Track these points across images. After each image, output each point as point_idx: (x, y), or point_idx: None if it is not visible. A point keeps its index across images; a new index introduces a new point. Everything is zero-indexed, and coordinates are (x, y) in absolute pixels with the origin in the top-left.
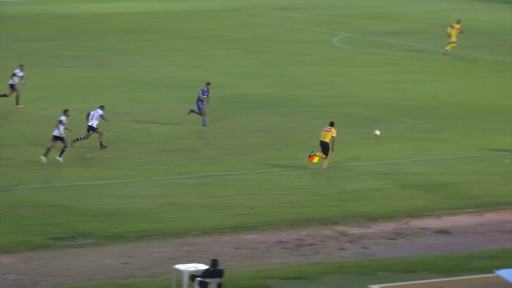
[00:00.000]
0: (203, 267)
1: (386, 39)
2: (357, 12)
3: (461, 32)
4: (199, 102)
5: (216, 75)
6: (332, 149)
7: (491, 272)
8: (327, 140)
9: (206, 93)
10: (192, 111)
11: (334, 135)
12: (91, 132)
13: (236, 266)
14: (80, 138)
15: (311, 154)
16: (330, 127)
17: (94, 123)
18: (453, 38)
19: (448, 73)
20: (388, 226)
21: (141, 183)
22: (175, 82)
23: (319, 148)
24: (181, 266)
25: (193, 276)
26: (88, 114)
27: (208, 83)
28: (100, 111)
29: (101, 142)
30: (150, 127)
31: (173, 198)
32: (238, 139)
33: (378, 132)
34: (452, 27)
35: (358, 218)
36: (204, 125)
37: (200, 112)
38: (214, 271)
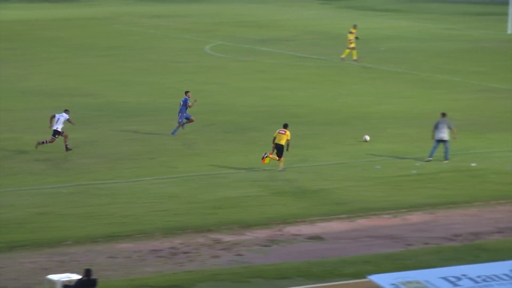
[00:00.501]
0: (76, 277)
1: (258, 46)
2: (229, 20)
3: (356, 37)
4: (182, 112)
5: (87, 83)
6: (287, 150)
7: (364, 277)
8: (283, 142)
9: (188, 101)
10: (183, 122)
11: (289, 137)
12: (56, 136)
13: (110, 275)
14: (46, 141)
15: (264, 156)
16: (284, 130)
17: (59, 126)
18: (353, 44)
19: (320, 80)
20: (262, 233)
21: (13, 193)
22: (47, 91)
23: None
24: (54, 277)
25: (66, 286)
26: (53, 117)
27: (187, 91)
28: (66, 115)
29: (66, 145)
30: (22, 136)
31: (45, 207)
32: (111, 148)
33: (367, 137)
34: (350, 32)
35: (232, 225)
36: (173, 133)
37: (180, 124)
38: (88, 281)
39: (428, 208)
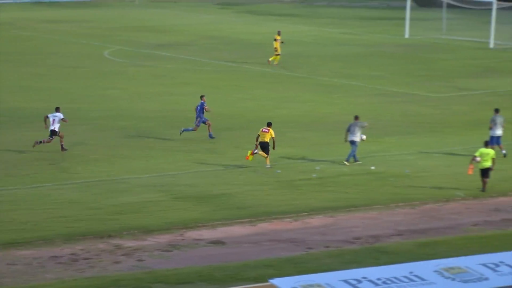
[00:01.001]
0: None
1: (157, 51)
2: (128, 25)
3: (282, 42)
4: (200, 116)
5: None
6: (273, 148)
7: (265, 281)
8: (267, 140)
9: (205, 105)
10: (198, 125)
11: (273, 135)
12: (53, 136)
13: (9, 282)
14: (43, 141)
15: (255, 152)
16: (267, 128)
17: (56, 126)
18: (278, 50)
19: (220, 85)
20: (163, 238)
21: None
22: None
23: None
24: None
25: None
26: (46, 118)
27: (202, 96)
28: (60, 115)
29: (61, 145)
30: None
31: None
32: (10, 154)
33: (364, 137)
34: (275, 40)
35: (133, 231)
36: (192, 130)
37: (195, 128)
38: None
39: (329, 212)
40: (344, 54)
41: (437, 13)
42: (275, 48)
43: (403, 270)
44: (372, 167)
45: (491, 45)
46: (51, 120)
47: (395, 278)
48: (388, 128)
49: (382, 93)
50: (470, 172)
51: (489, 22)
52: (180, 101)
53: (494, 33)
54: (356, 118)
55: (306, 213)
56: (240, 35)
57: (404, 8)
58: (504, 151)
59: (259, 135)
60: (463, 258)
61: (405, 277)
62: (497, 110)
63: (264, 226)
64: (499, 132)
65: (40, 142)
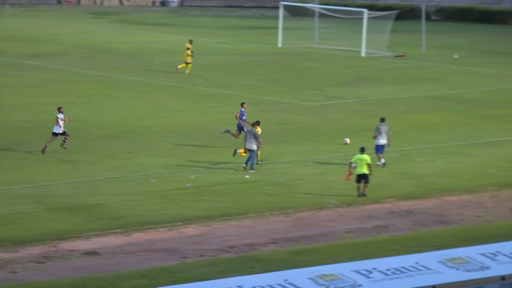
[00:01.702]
0: None
1: (29, 61)
2: None
3: (191, 52)
4: (242, 122)
5: None
6: (260, 147)
7: None
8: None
9: (244, 113)
10: (227, 131)
11: (259, 132)
12: (59, 135)
13: None
14: (62, 143)
15: (241, 151)
16: (256, 126)
17: (61, 127)
18: (189, 59)
19: (94, 95)
20: (36, 250)
21: None
22: None
23: None
24: None
25: None
26: (57, 118)
27: (243, 103)
28: (61, 115)
29: (64, 141)
30: None
31: None
32: None
33: (347, 140)
34: (188, 49)
35: (5, 242)
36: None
37: (236, 134)
38: None
39: (204, 221)
40: (218, 63)
41: (309, 22)
42: (189, 55)
43: (278, 278)
44: (247, 176)
45: (363, 54)
46: (60, 121)
47: (270, 286)
48: (262, 137)
49: (256, 102)
50: (347, 178)
51: (360, 31)
52: (52, 111)
53: (366, 42)
54: (253, 125)
55: (180, 223)
56: (113, 45)
57: (277, 17)
58: (383, 161)
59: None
60: (337, 265)
61: (280, 285)
62: (382, 119)
63: (138, 236)
64: (383, 141)
65: (46, 146)
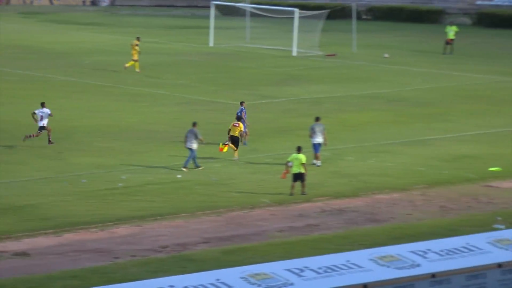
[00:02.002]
0: None
1: None
2: None
3: (136, 46)
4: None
5: None
6: (241, 142)
7: None
8: (236, 134)
9: (244, 111)
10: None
11: (242, 129)
12: (42, 131)
13: None
14: (32, 135)
15: (226, 143)
16: (238, 122)
17: (44, 122)
18: (136, 57)
19: (24, 95)
20: None
21: None
22: None
23: None
24: None
25: None
26: (34, 113)
27: (242, 102)
28: (47, 110)
29: (49, 138)
30: None
31: None
32: None
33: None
34: (136, 45)
35: None
36: (245, 143)
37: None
38: None
39: (135, 221)
40: (150, 63)
41: (241, 22)
42: (136, 52)
43: (210, 277)
44: (179, 176)
45: (294, 53)
46: (39, 116)
47: (202, 285)
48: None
49: (188, 102)
50: (284, 176)
51: (291, 31)
52: None
53: (297, 42)
54: (194, 125)
55: (112, 223)
56: (44, 44)
57: (208, 17)
58: (318, 163)
59: (230, 129)
60: (268, 264)
61: (212, 285)
62: (317, 119)
63: (69, 237)
64: (318, 139)
65: (30, 136)
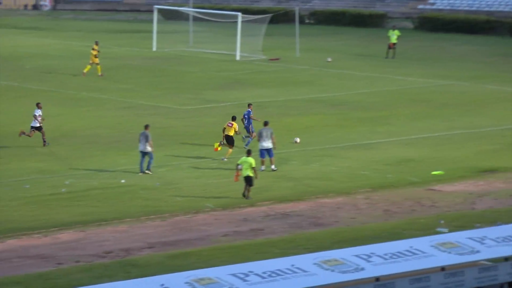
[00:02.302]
0: None
1: None
2: None
3: (98, 52)
4: (249, 125)
5: None
6: (244, 142)
7: None
8: (231, 133)
9: (251, 113)
10: (247, 138)
11: (236, 129)
12: (35, 130)
13: None
14: (25, 133)
15: (222, 143)
16: (232, 122)
17: (37, 123)
18: (96, 60)
19: None
20: None
21: None
22: None
23: None
24: None
25: None
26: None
27: (250, 104)
28: (38, 111)
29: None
30: None
31: None
32: None
33: (298, 140)
34: (93, 49)
35: None
36: (247, 144)
37: (251, 134)
38: None
39: (79, 226)
40: (92, 67)
41: (184, 26)
42: (94, 56)
43: (154, 282)
44: (123, 180)
45: (238, 58)
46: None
47: None
48: (137, 141)
49: (131, 106)
50: (236, 179)
51: (235, 35)
52: None
53: (240, 46)
54: (146, 127)
55: (55, 228)
56: None
57: (151, 21)
58: (273, 167)
59: (224, 128)
60: (213, 269)
61: None
62: (265, 123)
63: (12, 243)
64: (266, 144)
65: (23, 133)
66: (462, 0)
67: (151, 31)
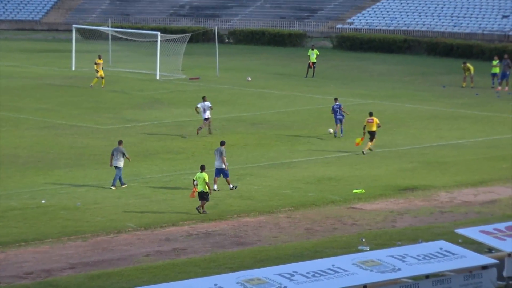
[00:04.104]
0: None
1: None
2: None
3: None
4: (340, 116)
5: None
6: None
7: None
8: (374, 129)
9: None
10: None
11: (377, 122)
12: (206, 121)
13: None
14: (201, 127)
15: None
16: (372, 118)
17: (207, 114)
18: (101, 73)
19: None
20: None
21: None
22: None
23: None
24: None
25: None
26: (197, 107)
27: (336, 98)
28: (208, 103)
29: (209, 128)
30: None
31: None
32: None
33: (331, 130)
34: (96, 64)
35: None
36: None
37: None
38: None
39: None
40: (11, 87)
41: (103, 45)
42: (96, 70)
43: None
44: (43, 201)
45: (157, 77)
46: (201, 109)
47: None
48: (57, 160)
49: (50, 126)
50: (193, 196)
51: (154, 54)
52: None
53: (160, 65)
54: (120, 143)
55: None
56: None
57: (70, 40)
58: (231, 186)
59: (365, 125)
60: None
61: None
62: (221, 143)
63: None
64: (218, 164)
65: (200, 128)
66: (380, 20)
67: (70, 51)
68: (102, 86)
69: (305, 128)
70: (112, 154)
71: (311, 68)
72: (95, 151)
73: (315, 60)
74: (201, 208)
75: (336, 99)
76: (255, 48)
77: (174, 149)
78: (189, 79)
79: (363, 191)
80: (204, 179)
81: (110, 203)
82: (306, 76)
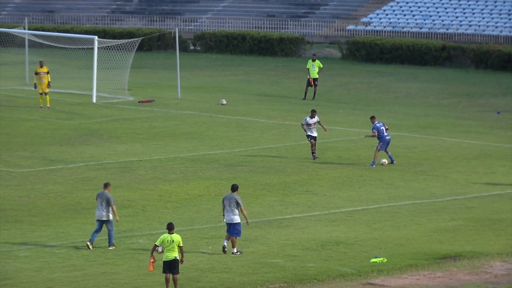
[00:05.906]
0: None
1: None
2: None
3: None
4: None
5: None
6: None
7: None
8: None
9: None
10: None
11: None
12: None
13: None
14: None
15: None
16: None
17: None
18: (44, 88)
19: None
20: None
21: None
22: None
23: None
24: None
25: None
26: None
27: (373, 117)
28: (314, 119)
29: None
30: None
31: None
32: None
33: (385, 161)
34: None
35: None
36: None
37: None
38: None
39: None
40: None
41: (18, 55)
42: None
43: None
44: None
45: (94, 99)
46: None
47: None
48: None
49: None
50: (151, 268)
51: (90, 68)
52: None
53: (98, 83)
54: (105, 186)
55: None
56: None
57: None
58: (234, 249)
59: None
60: None
61: None
62: (233, 188)
63: None
64: (230, 217)
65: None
66: (408, 19)
67: None
68: (47, 106)
69: (302, 172)
70: (98, 201)
71: (311, 86)
72: (6, 205)
73: (317, 76)
74: (174, 284)
75: (373, 118)
76: (232, 58)
77: (117, 201)
78: (139, 102)
79: (385, 260)
80: (178, 242)
81: (27, 277)
82: (305, 98)
